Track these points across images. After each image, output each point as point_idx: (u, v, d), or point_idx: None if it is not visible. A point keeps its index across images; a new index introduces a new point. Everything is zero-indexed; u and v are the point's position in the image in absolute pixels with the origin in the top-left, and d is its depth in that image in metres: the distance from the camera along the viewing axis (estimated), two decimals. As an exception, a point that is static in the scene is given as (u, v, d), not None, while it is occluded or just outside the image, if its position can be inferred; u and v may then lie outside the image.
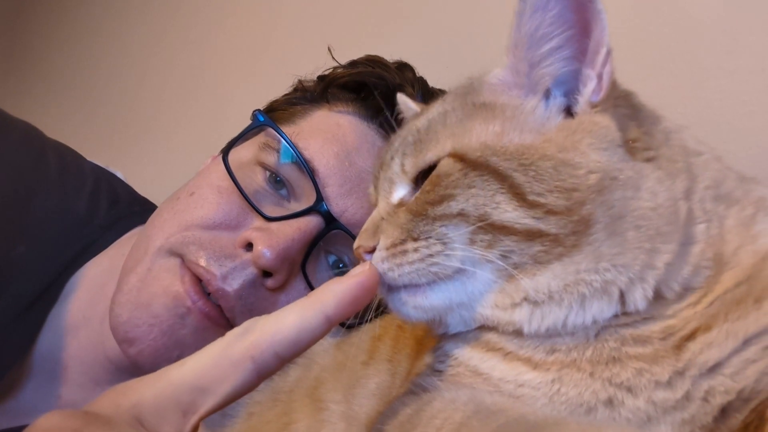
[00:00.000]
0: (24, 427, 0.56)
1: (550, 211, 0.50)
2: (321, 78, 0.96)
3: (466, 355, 0.56)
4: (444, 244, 0.52)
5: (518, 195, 0.51)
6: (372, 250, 0.56)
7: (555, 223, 0.50)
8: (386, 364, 0.69)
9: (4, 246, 0.84)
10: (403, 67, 0.95)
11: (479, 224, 0.51)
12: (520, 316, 0.52)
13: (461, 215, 0.52)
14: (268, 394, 0.80)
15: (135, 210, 1.03)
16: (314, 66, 0.99)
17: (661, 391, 0.49)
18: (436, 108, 0.61)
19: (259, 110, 0.88)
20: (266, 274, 0.77)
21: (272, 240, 0.75)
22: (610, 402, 0.49)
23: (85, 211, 0.95)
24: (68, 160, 0.99)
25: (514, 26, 0.55)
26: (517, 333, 0.53)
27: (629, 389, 0.49)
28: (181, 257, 0.78)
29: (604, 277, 0.50)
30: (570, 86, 0.55)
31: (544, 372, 0.51)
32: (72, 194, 0.94)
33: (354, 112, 0.88)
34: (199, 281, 0.77)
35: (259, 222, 0.79)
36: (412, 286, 0.54)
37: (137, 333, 0.76)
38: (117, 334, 0.77)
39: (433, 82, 0.95)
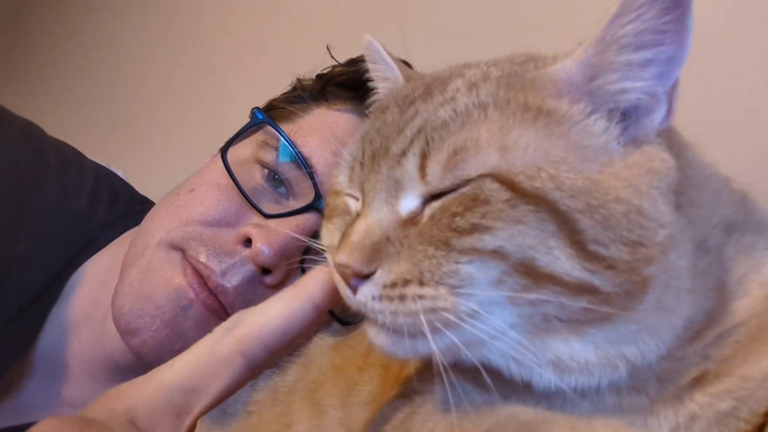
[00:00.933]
0: (24, 426, 0.57)
1: (610, 266, 0.41)
2: (319, 76, 0.96)
3: None
4: (455, 290, 0.42)
5: (577, 243, 0.41)
6: (363, 277, 0.45)
7: (611, 281, 0.41)
8: (379, 369, 0.68)
9: (4, 244, 0.84)
10: (402, 63, 0.95)
11: (518, 267, 0.42)
12: (538, 375, 0.45)
13: (497, 253, 0.41)
14: (267, 393, 0.80)
15: (135, 209, 1.03)
16: (313, 65, 0.99)
17: None
18: (468, 95, 0.47)
19: (257, 108, 0.88)
20: (265, 271, 0.77)
21: (270, 237, 0.75)
22: None
23: (85, 209, 0.95)
24: (68, 157, 0.99)
25: (612, 16, 0.43)
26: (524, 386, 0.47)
27: None
28: (182, 251, 0.79)
29: (640, 348, 0.44)
30: (634, 107, 0.46)
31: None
32: (72, 192, 0.94)
33: (352, 110, 0.89)
34: (201, 274, 0.77)
35: (257, 219, 0.79)
36: (413, 334, 0.44)
37: (139, 324, 0.76)
38: (119, 326, 0.78)
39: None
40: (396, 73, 0.60)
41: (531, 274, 0.41)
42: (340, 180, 0.54)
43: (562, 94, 0.45)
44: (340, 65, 0.96)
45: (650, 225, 0.42)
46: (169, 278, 0.77)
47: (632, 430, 0.42)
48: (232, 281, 0.76)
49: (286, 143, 0.81)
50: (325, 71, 0.96)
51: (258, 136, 0.86)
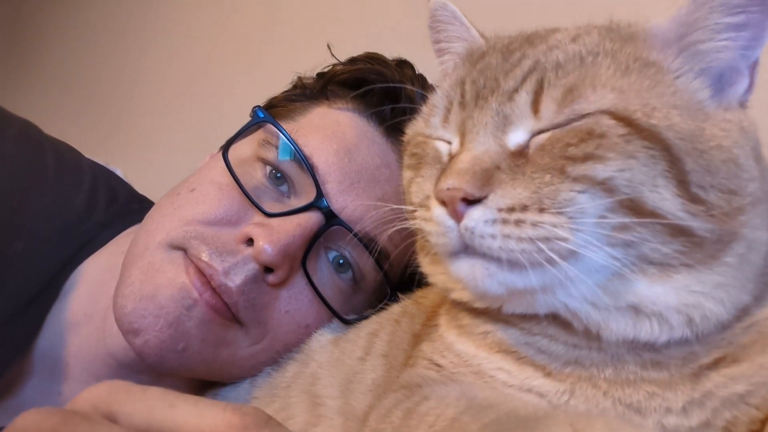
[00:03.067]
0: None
1: (708, 211, 0.44)
2: (320, 75, 0.96)
3: (471, 353, 0.55)
4: (572, 220, 0.43)
5: (683, 184, 0.44)
6: (474, 201, 0.45)
7: (706, 226, 0.44)
8: (382, 359, 0.69)
9: (1, 243, 0.84)
10: (403, 64, 0.95)
11: (624, 202, 0.43)
12: (615, 321, 0.47)
13: (604, 185, 0.43)
14: (266, 391, 0.80)
15: (133, 207, 1.02)
16: (314, 63, 0.99)
17: (673, 417, 0.47)
18: (574, 44, 0.50)
19: (258, 106, 0.88)
20: (267, 269, 0.77)
21: (273, 236, 0.75)
22: None
23: (83, 208, 0.95)
24: (66, 157, 0.99)
25: None
26: (569, 335, 0.49)
27: (638, 410, 0.48)
28: (184, 251, 0.78)
29: (711, 308, 0.46)
30: (720, 73, 0.49)
31: (557, 381, 0.50)
32: (70, 191, 0.94)
33: (353, 109, 0.88)
34: (203, 274, 0.77)
35: (259, 218, 0.79)
36: (518, 264, 0.45)
37: (143, 324, 0.76)
38: (122, 326, 0.77)
39: (433, 80, 0.95)
40: (473, 32, 0.62)
41: (635, 210, 0.43)
42: (432, 122, 0.55)
43: (660, 48, 0.49)
44: (341, 64, 0.96)
45: (743, 176, 0.45)
46: (172, 278, 0.77)
47: (632, 428, 0.42)
48: (235, 280, 0.75)
49: (287, 141, 0.81)
50: (325, 70, 0.96)
51: (259, 135, 0.86)
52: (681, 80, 0.48)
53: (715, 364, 0.48)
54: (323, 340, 0.81)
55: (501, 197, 0.45)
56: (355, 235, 0.79)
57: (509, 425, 0.41)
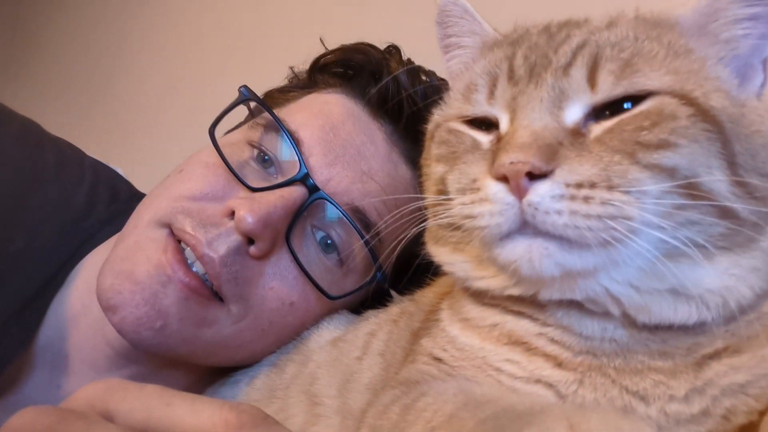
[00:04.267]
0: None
1: (750, 193, 0.45)
2: (310, 65, 0.97)
3: (476, 345, 0.54)
4: (637, 200, 0.43)
5: (732, 166, 0.45)
6: (539, 176, 0.44)
7: (748, 208, 0.45)
8: (379, 358, 0.69)
9: (2, 242, 0.84)
10: (390, 48, 0.96)
11: (683, 184, 0.44)
12: (657, 304, 0.47)
13: (671, 171, 0.44)
14: (264, 392, 0.80)
15: (134, 206, 1.02)
16: (310, 59, 0.99)
17: (676, 404, 0.48)
18: (619, 27, 0.51)
19: (245, 86, 0.87)
20: (251, 242, 0.77)
21: (254, 206, 0.75)
22: (624, 410, 0.48)
23: (83, 206, 0.95)
24: (67, 154, 0.99)
25: None
26: (601, 321, 0.49)
27: (643, 398, 0.48)
28: (169, 227, 0.79)
29: (744, 291, 0.47)
30: (742, 64, 0.50)
31: (568, 371, 0.50)
32: (70, 188, 0.94)
33: (341, 91, 0.90)
34: (182, 253, 0.77)
35: (244, 193, 0.79)
36: (569, 241, 0.44)
37: (119, 300, 0.76)
38: (101, 302, 0.77)
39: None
40: (486, 27, 0.62)
41: (690, 192, 0.44)
42: (476, 99, 0.53)
43: (691, 36, 0.50)
44: (330, 52, 0.97)
45: None
46: (150, 255, 0.77)
47: (628, 422, 0.42)
48: (218, 251, 0.75)
49: (273, 119, 0.81)
50: (314, 60, 0.97)
51: (249, 122, 0.88)
52: (716, 68, 0.49)
53: (717, 354, 0.48)
54: (322, 341, 0.81)
55: (569, 173, 0.44)
56: (338, 207, 0.79)
57: (506, 420, 0.41)
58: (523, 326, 0.53)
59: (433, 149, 0.58)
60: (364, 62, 0.90)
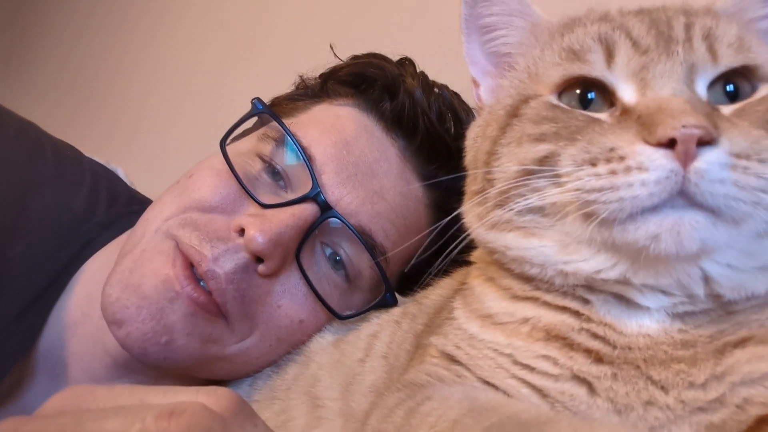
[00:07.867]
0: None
1: None
2: (321, 75, 0.96)
3: (502, 342, 0.53)
4: None
5: None
6: (706, 142, 0.43)
7: None
8: (381, 360, 0.69)
9: (1, 246, 0.83)
10: (404, 61, 0.95)
11: None
12: (751, 282, 0.49)
13: None
14: (266, 393, 0.80)
15: (134, 209, 1.01)
16: (317, 64, 0.99)
17: (693, 391, 0.48)
18: (700, 16, 0.52)
19: (257, 98, 0.87)
20: (259, 260, 0.76)
21: (265, 225, 0.74)
22: (648, 403, 0.48)
23: (83, 209, 0.94)
24: (66, 155, 0.98)
25: None
26: (691, 304, 0.50)
27: (663, 387, 0.48)
28: (176, 240, 0.78)
29: None
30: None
31: (605, 365, 0.50)
32: (70, 191, 0.93)
33: (354, 104, 0.88)
34: (191, 266, 0.76)
35: (254, 209, 0.78)
36: (717, 214, 0.44)
37: (125, 314, 0.75)
38: (106, 315, 0.76)
39: (436, 78, 0.95)
40: (536, 9, 0.61)
41: None
42: (591, 59, 0.51)
43: (740, 24, 0.52)
44: (343, 62, 0.96)
45: None
46: (158, 269, 0.76)
47: (634, 432, 0.42)
48: (224, 267, 0.74)
49: (285, 134, 0.80)
50: (327, 70, 0.96)
51: (259, 131, 0.86)
52: None
53: (743, 342, 0.49)
54: (324, 342, 0.80)
55: (731, 143, 0.44)
56: (351, 228, 0.78)
57: (511, 429, 0.41)
58: (564, 321, 0.52)
59: (527, 129, 0.53)
60: (378, 76, 0.89)
